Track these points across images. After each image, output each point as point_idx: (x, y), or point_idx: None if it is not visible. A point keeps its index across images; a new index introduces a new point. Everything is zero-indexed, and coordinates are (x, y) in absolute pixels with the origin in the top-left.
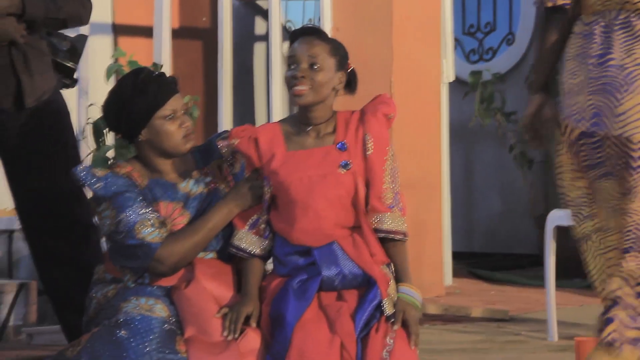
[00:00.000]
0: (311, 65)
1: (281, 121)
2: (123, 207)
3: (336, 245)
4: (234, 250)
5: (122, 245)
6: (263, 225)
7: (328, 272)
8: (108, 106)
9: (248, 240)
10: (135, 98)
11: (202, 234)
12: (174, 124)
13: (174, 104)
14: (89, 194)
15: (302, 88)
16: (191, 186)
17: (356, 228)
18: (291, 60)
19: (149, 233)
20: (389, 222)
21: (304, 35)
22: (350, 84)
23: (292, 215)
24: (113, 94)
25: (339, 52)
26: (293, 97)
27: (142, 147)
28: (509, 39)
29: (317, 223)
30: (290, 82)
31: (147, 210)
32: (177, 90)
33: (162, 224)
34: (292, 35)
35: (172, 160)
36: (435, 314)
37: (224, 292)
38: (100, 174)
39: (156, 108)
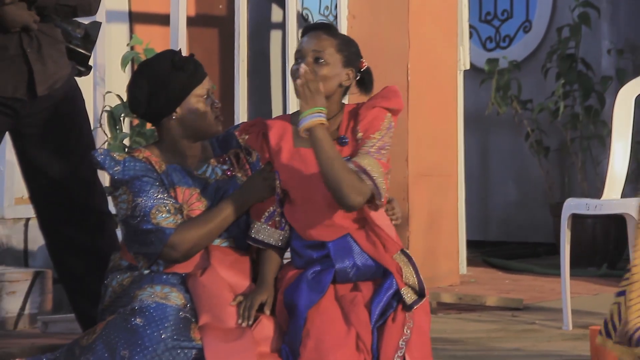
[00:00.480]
0: (316, 59)
1: (294, 114)
2: (140, 191)
3: (350, 238)
4: (251, 242)
5: (136, 229)
6: (278, 218)
7: (342, 264)
8: (140, 84)
9: (265, 233)
10: (175, 73)
11: (216, 222)
12: (207, 104)
13: (207, 84)
14: (107, 177)
15: None
16: (209, 173)
17: (366, 219)
18: (298, 55)
19: (164, 218)
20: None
21: (314, 30)
22: (365, 82)
23: (301, 212)
24: (147, 72)
25: (349, 48)
26: (296, 90)
27: (170, 127)
28: (526, 27)
29: (325, 220)
30: (295, 75)
31: (164, 196)
32: (206, 74)
33: (178, 210)
34: (302, 31)
35: (193, 146)
36: (449, 302)
37: (240, 280)
38: (119, 157)
39: (195, 84)
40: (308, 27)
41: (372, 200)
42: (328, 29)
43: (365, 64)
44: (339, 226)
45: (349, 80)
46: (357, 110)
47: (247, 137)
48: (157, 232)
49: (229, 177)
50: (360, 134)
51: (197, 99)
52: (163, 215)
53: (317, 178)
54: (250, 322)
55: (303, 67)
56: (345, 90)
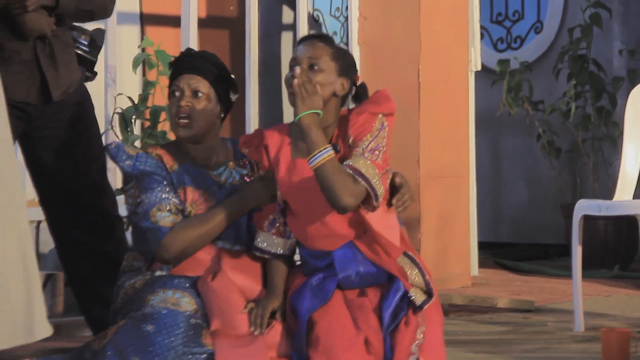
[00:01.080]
0: (311, 67)
1: (292, 124)
2: (146, 188)
3: (353, 246)
4: (258, 252)
5: (137, 226)
6: (282, 227)
7: (345, 273)
8: None
9: (270, 242)
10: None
11: (210, 225)
12: (174, 102)
13: (182, 82)
14: (119, 172)
15: None
16: (225, 175)
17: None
18: (292, 62)
19: (163, 217)
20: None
21: (309, 39)
22: (360, 98)
23: (303, 223)
24: None
25: (344, 57)
26: (290, 97)
27: None
28: (537, 28)
29: (326, 230)
30: (289, 82)
31: (168, 195)
32: (198, 72)
33: (180, 210)
34: (298, 41)
35: (203, 147)
36: (461, 304)
37: (251, 284)
38: (132, 152)
39: (171, 82)
40: (304, 37)
41: (369, 202)
42: (324, 38)
43: (360, 79)
44: (340, 235)
45: (343, 90)
46: (348, 117)
47: (247, 150)
48: (155, 230)
49: (246, 183)
50: (351, 139)
51: (169, 97)
52: (163, 214)
53: (315, 189)
54: (263, 330)
55: (298, 69)
56: (343, 101)
